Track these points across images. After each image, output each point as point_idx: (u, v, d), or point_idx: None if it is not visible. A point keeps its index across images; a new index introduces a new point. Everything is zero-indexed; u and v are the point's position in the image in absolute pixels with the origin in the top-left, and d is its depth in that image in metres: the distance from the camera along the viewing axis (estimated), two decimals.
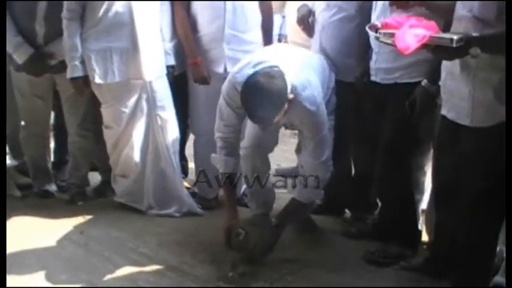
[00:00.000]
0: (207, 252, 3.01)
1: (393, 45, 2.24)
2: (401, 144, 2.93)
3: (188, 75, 3.56)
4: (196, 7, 3.43)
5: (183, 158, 3.87)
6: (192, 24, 3.45)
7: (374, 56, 3.01)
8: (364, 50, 3.11)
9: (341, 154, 3.22)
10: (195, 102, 3.58)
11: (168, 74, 3.47)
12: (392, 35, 2.24)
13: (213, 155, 3.04)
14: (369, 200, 3.37)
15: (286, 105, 2.60)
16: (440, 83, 2.55)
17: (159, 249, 3.07)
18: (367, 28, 2.48)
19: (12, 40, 3.34)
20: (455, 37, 2.11)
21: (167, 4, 3.45)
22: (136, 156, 3.44)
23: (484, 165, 2.34)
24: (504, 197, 2.28)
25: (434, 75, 2.68)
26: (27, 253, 2.97)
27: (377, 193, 3.23)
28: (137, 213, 3.52)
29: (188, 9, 3.45)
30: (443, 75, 2.51)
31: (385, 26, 2.37)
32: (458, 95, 2.39)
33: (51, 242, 3.12)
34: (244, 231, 2.92)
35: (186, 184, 3.76)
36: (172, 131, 3.47)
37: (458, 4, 2.40)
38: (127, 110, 3.38)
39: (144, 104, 3.39)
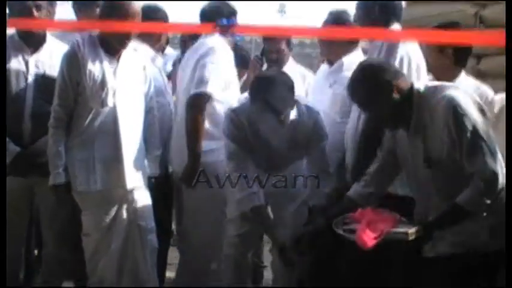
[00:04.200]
0: None
1: (355, 241, 2.33)
2: None
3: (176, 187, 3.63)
4: None
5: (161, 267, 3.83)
6: None
7: None
8: None
9: None
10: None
11: (150, 184, 3.49)
12: (353, 232, 2.35)
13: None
14: None
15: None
16: None
17: None
18: (333, 225, 2.49)
19: None
20: (409, 230, 2.20)
21: (155, 114, 3.52)
22: (114, 266, 3.38)
23: None
24: None
25: None
26: None
27: None
28: None
29: None
30: None
31: (352, 218, 2.46)
32: None
33: None
34: None
35: None
36: (152, 241, 3.45)
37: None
38: (107, 218, 3.35)
39: (124, 213, 3.38)
